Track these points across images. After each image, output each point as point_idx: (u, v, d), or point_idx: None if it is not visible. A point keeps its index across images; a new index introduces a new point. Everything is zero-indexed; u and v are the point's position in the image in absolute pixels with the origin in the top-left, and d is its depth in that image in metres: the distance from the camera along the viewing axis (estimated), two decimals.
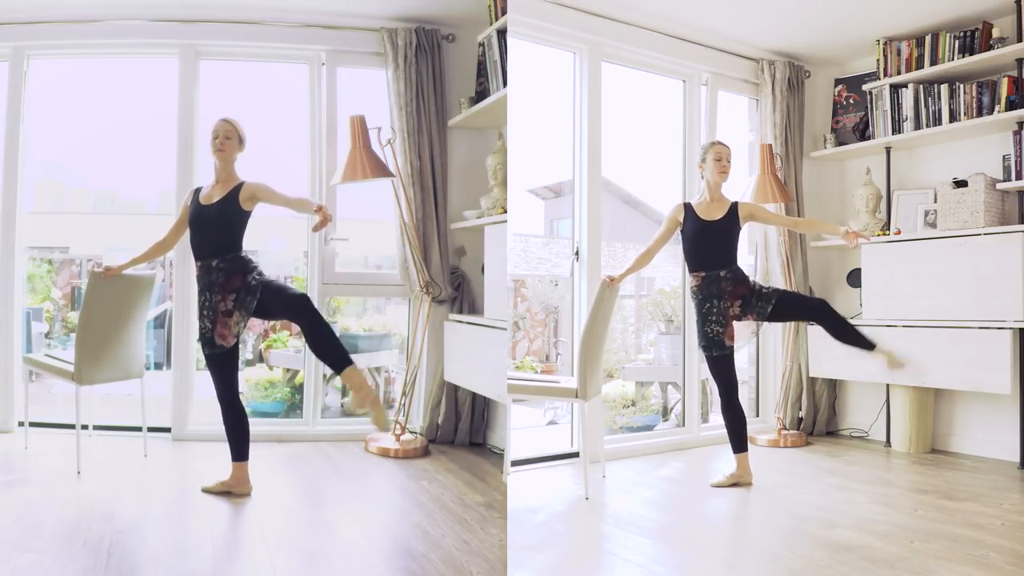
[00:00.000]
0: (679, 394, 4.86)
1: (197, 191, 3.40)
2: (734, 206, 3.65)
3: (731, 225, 3.63)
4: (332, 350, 3.15)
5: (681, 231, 3.70)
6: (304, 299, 3.19)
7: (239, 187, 3.29)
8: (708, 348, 3.61)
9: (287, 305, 3.20)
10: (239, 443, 3.29)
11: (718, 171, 3.65)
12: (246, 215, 3.31)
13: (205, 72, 4.38)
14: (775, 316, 3.64)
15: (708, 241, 3.62)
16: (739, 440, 3.64)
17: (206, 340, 3.24)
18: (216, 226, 3.27)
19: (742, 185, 4.63)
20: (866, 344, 3.64)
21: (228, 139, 3.30)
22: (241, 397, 3.34)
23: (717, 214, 3.63)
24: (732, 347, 3.61)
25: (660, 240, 3.72)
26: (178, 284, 4.32)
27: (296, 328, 6.03)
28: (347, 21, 4.36)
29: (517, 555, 2.65)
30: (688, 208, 3.69)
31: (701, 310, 3.62)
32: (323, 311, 4.51)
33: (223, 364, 3.26)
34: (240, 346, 3.34)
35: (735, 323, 3.62)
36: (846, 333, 3.66)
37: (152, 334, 6.47)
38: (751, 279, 3.65)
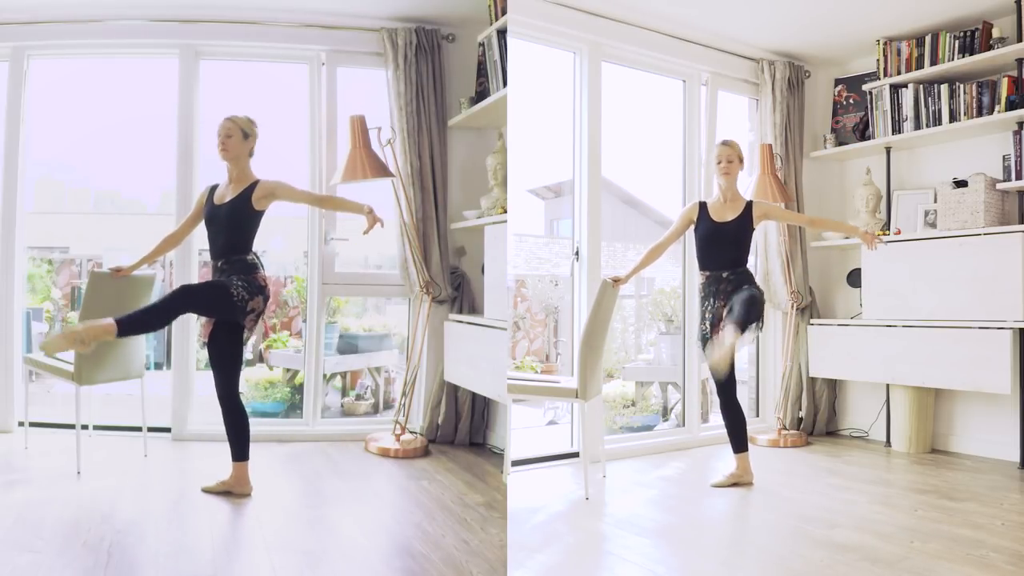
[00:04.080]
0: (679, 394, 4.86)
1: (213, 188, 3.36)
2: (748, 206, 3.65)
3: (742, 227, 3.61)
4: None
5: (694, 230, 3.71)
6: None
7: (253, 186, 3.24)
8: (700, 344, 3.68)
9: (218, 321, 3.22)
10: (240, 443, 3.28)
11: (720, 172, 3.66)
12: (257, 215, 3.27)
13: (205, 72, 4.38)
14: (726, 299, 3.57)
15: (717, 243, 3.63)
16: (739, 440, 3.64)
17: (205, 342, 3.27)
18: (225, 227, 3.25)
19: (742, 185, 4.62)
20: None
21: (229, 137, 3.24)
22: (241, 397, 3.34)
23: (729, 215, 3.63)
24: None
25: (672, 236, 3.75)
26: (178, 284, 4.32)
27: (296, 328, 6.06)
28: (347, 21, 4.36)
29: (517, 555, 2.65)
30: (703, 208, 3.70)
31: (701, 308, 3.67)
32: (323, 311, 4.52)
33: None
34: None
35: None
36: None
37: (152, 334, 6.47)
38: (752, 282, 3.63)
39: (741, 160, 3.68)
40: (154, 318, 3.08)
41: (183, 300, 3.11)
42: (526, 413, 6.60)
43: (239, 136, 3.26)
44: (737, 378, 3.71)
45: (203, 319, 3.27)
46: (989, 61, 4.08)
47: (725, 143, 3.69)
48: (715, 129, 4.67)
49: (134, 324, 3.04)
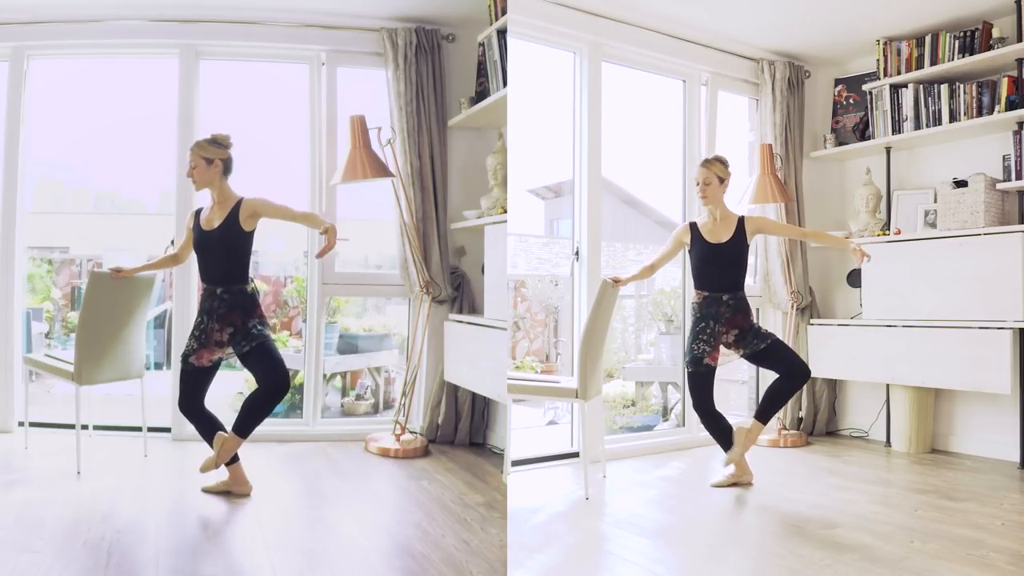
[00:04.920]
0: (679, 394, 4.87)
1: (198, 213, 3.35)
2: (741, 223, 3.60)
3: (739, 246, 3.57)
4: (251, 417, 3.22)
5: (689, 251, 3.70)
6: (286, 381, 3.23)
7: (237, 206, 3.23)
8: (689, 364, 3.62)
9: (268, 371, 3.21)
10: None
11: (698, 195, 3.60)
12: (249, 236, 3.26)
13: (205, 72, 4.38)
14: (759, 357, 3.63)
15: (715, 265, 3.59)
16: (729, 442, 3.63)
17: (185, 357, 3.29)
18: (220, 254, 3.24)
19: (742, 185, 4.63)
20: (761, 418, 3.62)
21: (194, 168, 3.23)
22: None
23: (724, 236, 3.58)
24: (713, 368, 3.59)
25: (664, 257, 3.74)
26: (178, 284, 4.32)
27: (296, 328, 6.05)
28: (347, 21, 4.36)
29: (517, 555, 2.65)
30: (694, 229, 3.65)
31: (695, 328, 3.61)
32: (323, 311, 4.52)
33: (193, 380, 3.29)
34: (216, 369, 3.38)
35: (723, 348, 3.62)
36: (775, 402, 3.60)
37: (152, 334, 6.47)
38: (752, 313, 3.65)
39: (722, 180, 3.57)
40: (271, 407, 3.25)
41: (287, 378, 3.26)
42: (526, 413, 6.60)
43: (202, 165, 3.23)
44: (737, 378, 3.72)
45: (194, 343, 3.27)
46: (989, 61, 4.08)
47: (704, 163, 3.59)
48: (715, 129, 4.67)
49: (250, 425, 3.24)
